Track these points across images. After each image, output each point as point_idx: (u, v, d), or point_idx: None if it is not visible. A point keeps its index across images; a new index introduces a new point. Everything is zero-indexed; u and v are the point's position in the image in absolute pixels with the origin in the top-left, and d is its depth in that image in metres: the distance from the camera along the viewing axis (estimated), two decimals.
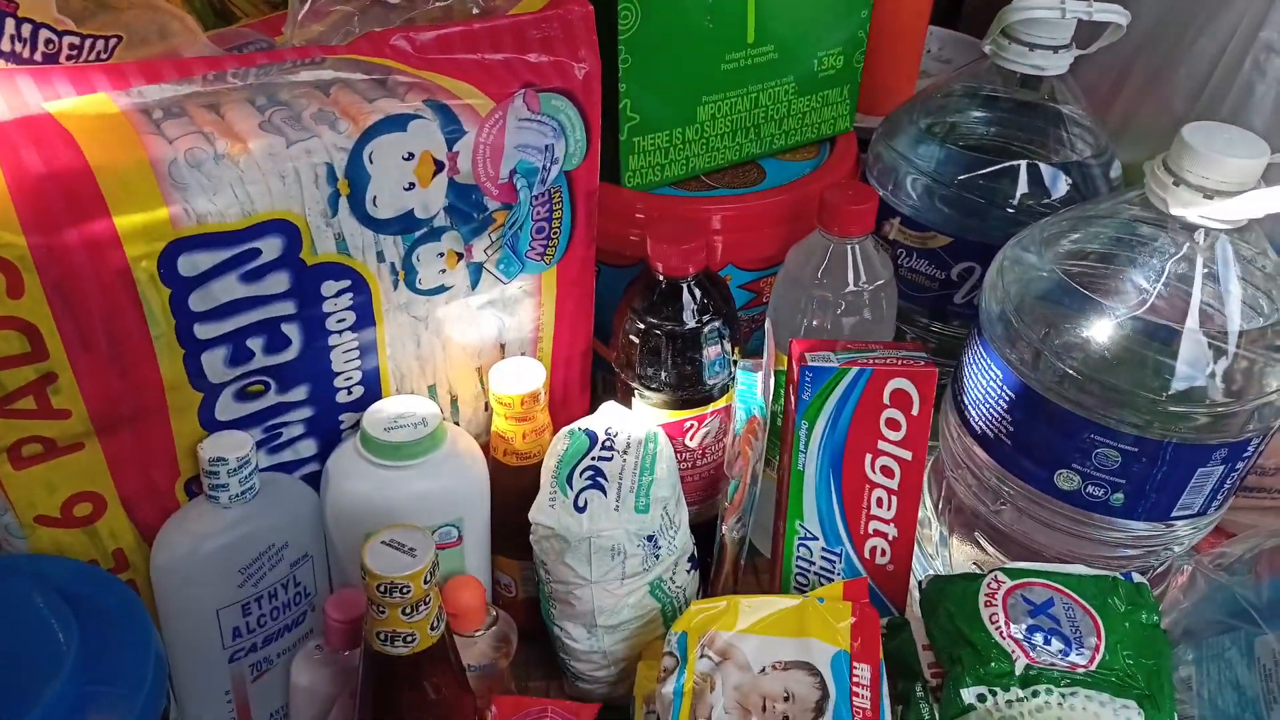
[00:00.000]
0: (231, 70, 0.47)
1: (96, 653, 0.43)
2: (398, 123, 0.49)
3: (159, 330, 0.47)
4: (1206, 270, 0.52)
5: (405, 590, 0.47)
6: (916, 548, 0.62)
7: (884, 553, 0.61)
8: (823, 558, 0.61)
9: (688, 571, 0.62)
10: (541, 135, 0.54)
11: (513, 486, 0.61)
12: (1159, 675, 0.51)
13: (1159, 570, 0.62)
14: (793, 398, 0.59)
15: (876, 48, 0.77)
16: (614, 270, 0.68)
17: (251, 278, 0.48)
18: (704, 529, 0.65)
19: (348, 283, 0.52)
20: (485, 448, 0.61)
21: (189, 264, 0.46)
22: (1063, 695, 0.49)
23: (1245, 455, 0.54)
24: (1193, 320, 0.51)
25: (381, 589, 0.47)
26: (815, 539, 0.61)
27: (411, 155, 0.50)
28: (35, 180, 0.41)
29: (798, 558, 0.62)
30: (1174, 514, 0.56)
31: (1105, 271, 0.55)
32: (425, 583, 0.47)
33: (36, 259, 0.42)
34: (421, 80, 0.50)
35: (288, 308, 0.50)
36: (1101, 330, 0.53)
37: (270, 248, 0.48)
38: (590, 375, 0.70)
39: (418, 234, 0.53)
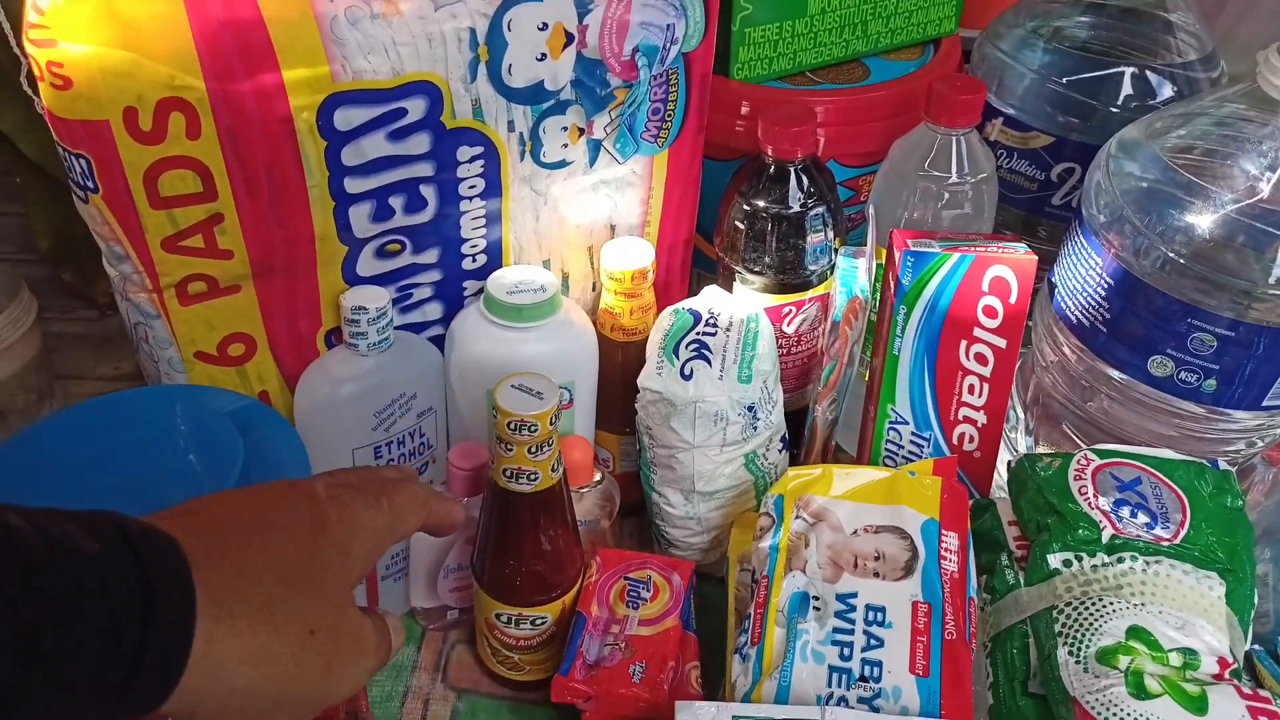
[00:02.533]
0: None
1: (263, 472, 0.48)
2: None
3: (314, 181, 0.51)
4: None
5: (533, 428, 0.51)
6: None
7: (972, 439, 0.63)
8: (911, 442, 0.64)
9: (779, 450, 0.65)
10: (664, 14, 0.56)
11: (617, 361, 0.64)
12: (1241, 553, 0.53)
13: (1240, 467, 0.63)
14: (891, 285, 0.62)
15: None
16: (717, 165, 0.71)
17: (397, 136, 0.51)
18: (795, 418, 0.68)
19: (480, 149, 0.55)
20: (592, 324, 0.64)
21: (344, 118, 0.49)
22: (1147, 563, 0.52)
23: None
24: None
25: (511, 426, 0.51)
26: (905, 423, 0.63)
27: (545, 25, 0.52)
28: (216, 27, 0.44)
29: (887, 441, 0.64)
30: (1265, 402, 0.57)
31: (1211, 162, 0.56)
32: (551, 424, 0.51)
33: (213, 102, 0.46)
34: None
35: (427, 169, 0.54)
36: (1207, 215, 0.54)
37: (415, 108, 0.51)
38: (690, 268, 0.72)
39: (545, 105, 0.56)
